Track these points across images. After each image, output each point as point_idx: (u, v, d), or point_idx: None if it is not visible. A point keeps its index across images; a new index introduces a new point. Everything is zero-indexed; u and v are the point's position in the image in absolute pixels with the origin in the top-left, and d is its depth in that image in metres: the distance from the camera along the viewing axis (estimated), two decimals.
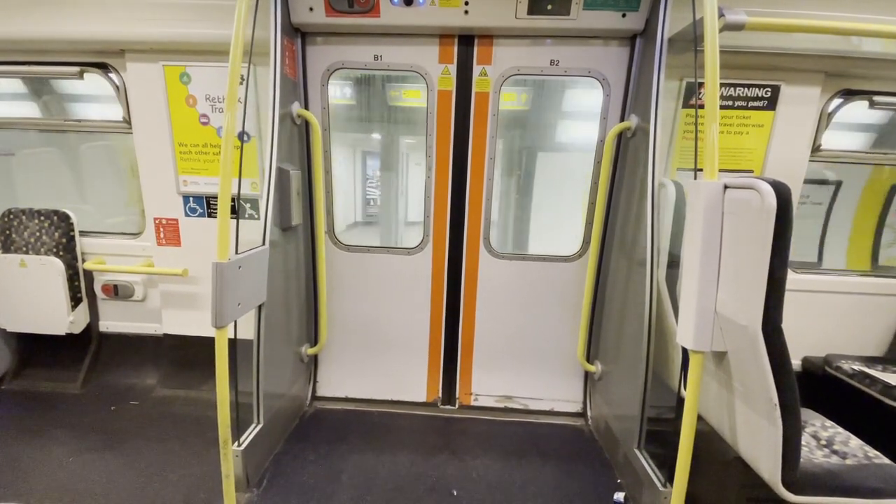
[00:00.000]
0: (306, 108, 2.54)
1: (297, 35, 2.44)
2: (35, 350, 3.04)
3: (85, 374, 2.99)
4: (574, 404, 2.88)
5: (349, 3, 2.26)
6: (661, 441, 2.06)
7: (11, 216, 2.84)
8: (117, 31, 2.45)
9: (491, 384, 2.91)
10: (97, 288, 2.98)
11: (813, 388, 2.42)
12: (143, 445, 2.41)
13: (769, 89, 2.41)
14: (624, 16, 2.22)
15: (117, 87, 2.66)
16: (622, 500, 2.13)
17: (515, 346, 2.86)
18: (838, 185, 2.83)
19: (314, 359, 2.93)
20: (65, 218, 2.82)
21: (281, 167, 2.24)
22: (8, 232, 2.85)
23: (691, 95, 2.42)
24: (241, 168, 2.58)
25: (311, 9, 2.28)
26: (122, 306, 3.04)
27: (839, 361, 2.55)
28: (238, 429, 2.09)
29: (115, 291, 2.97)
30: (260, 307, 2.10)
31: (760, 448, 1.52)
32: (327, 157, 2.63)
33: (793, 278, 2.64)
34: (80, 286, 2.89)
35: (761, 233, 1.34)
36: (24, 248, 2.84)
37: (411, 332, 2.88)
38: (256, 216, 2.75)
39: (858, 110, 2.53)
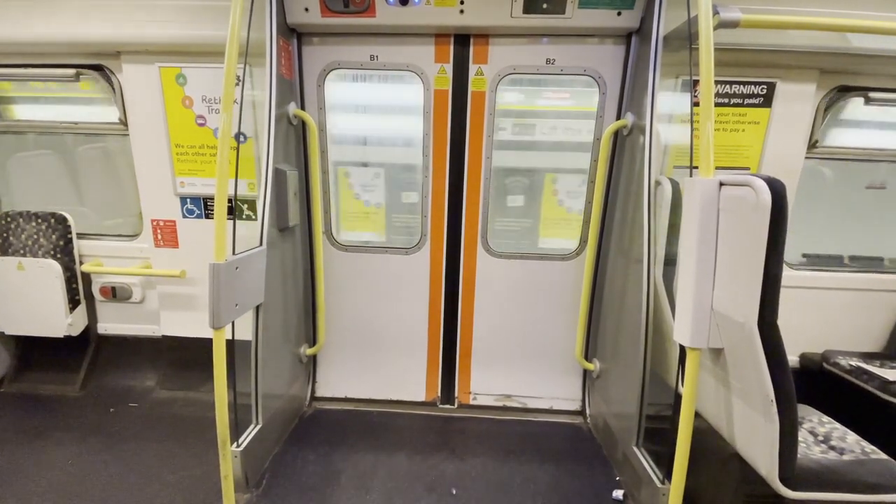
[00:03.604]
0: (303, 108, 2.54)
1: (293, 35, 2.44)
2: (34, 353, 3.04)
3: (84, 376, 2.98)
4: (573, 402, 2.88)
5: (345, 4, 2.26)
6: (659, 438, 2.06)
7: (9, 219, 2.84)
8: (113, 33, 2.45)
9: (490, 383, 2.91)
10: (95, 290, 2.98)
11: (811, 385, 2.42)
12: (142, 447, 2.41)
13: (765, 86, 2.42)
14: (619, 14, 2.22)
15: (113, 89, 2.66)
16: (621, 497, 2.14)
17: (514, 345, 2.86)
18: None
19: (313, 359, 2.93)
20: (62, 220, 2.82)
21: (278, 168, 2.24)
22: (5, 235, 2.84)
23: (687, 93, 2.42)
24: (238, 169, 2.58)
25: (306, 9, 2.28)
26: (121, 308, 3.04)
27: (837, 357, 2.56)
28: (237, 429, 2.09)
29: (113, 293, 2.97)
30: (258, 308, 2.11)
31: (757, 444, 1.53)
32: (324, 157, 2.63)
33: (790, 275, 2.65)
34: (77, 288, 2.89)
35: (756, 229, 1.34)
36: (22, 251, 2.83)
37: (410, 332, 2.88)
38: (254, 217, 2.75)
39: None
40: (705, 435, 1.82)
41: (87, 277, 2.94)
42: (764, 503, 1.67)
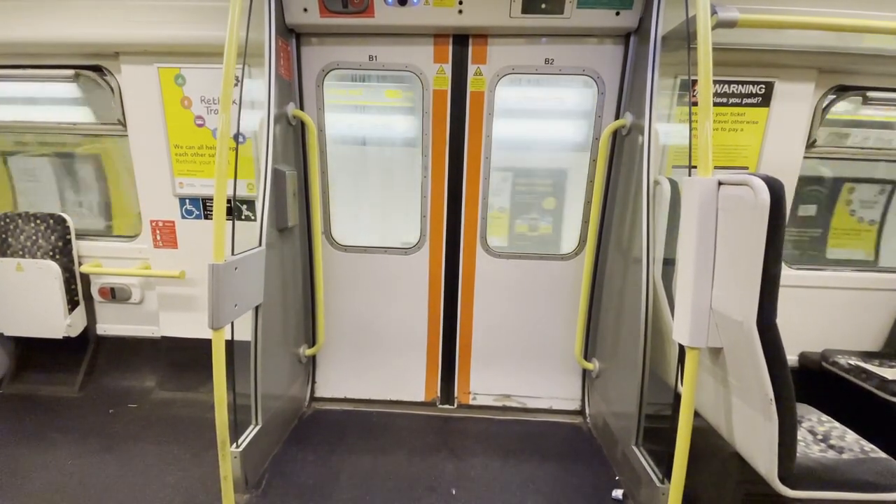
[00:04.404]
0: (301, 108, 2.54)
1: (292, 36, 2.44)
2: (32, 354, 3.04)
3: (83, 377, 2.98)
4: (572, 402, 2.88)
5: (343, 4, 2.26)
6: (658, 438, 2.06)
7: (7, 220, 2.84)
8: (111, 34, 2.45)
9: (489, 383, 2.91)
10: (94, 291, 2.98)
11: (810, 384, 2.43)
12: (142, 448, 2.41)
13: (763, 86, 2.42)
14: (618, 14, 2.23)
15: (112, 90, 2.66)
16: (620, 496, 2.14)
17: (513, 345, 2.86)
18: None
19: (312, 359, 2.93)
20: (61, 221, 2.82)
21: (276, 168, 2.24)
22: (4, 236, 2.84)
23: (685, 93, 2.42)
24: (237, 169, 2.58)
25: (305, 9, 2.28)
26: (120, 309, 3.04)
27: (836, 356, 2.56)
28: (236, 430, 2.09)
29: (112, 294, 2.96)
30: (257, 308, 2.10)
31: (757, 443, 1.53)
32: (323, 158, 2.63)
33: (790, 274, 2.65)
34: (76, 289, 2.89)
35: (755, 229, 1.34)
36: (21, 252, 2.83)
37: (409, 332, 2.88)
38: (253, 217, 2.75)
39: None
40: (705, 434, 1.82)
41: (86, 278, 2.94)
42: (763, 502, 1.68)
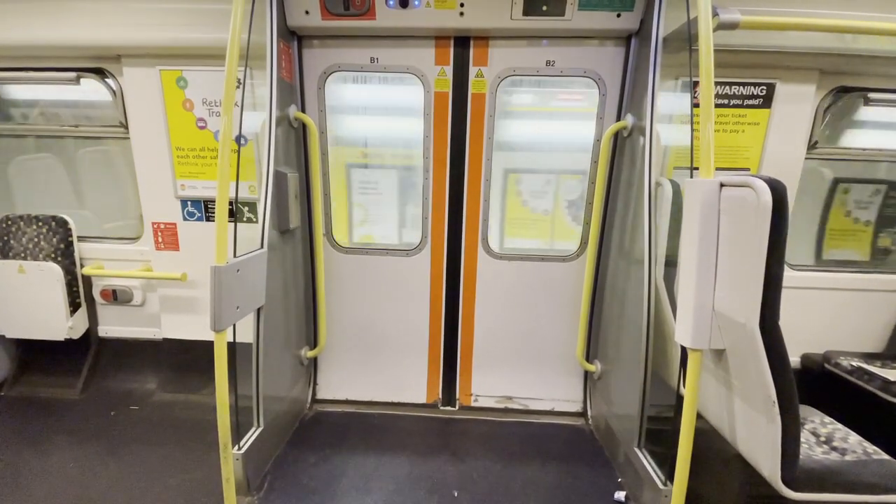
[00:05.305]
0: (303, 110, 2.54)
1: (293, 38, 2.44)
2: (34, 356, 3.04)
3: (84, 379, 2.98)
4: (574, 404, 2.88)
5: (345, 6, 2.27)
6: (661, 440, 2.06)
7: (10, 222, 2.84)
8: (113, 37, 2.45)
9: (491, 385, 2.91)
10: (96, 293, 2.98)
11: (812, 385, 2.42)
12: (144, 450, 2.41)
13: (764, 87, 2.42)
14: (619, 16, 2.23)
15: (114, 93, 2.67)
16: (623, 499, 2.13)
17: (515, 347, 2.86)
18: None
19: (314, 361, 2.93)
20: (63, 223, 2.82)
21: (278, 170, 2.25)
22: (6, 238, 2.84)
23: (687, 94, 2.42)
24: (239, 171, 2.58)
25: (306, 12, 2.29)
26: (121, 311, 3.04)
27: (838, 358, 2.55)
28: (238, 432, 2.09)
29: (114, 296, 2.97)
30: (259, 310, 2.10)
31: (759, 445, 1.52)
32: (325, 160, 2.63)
33: (791, 275, 2.65)
34: (78, 291, 2.89)
35: (757, 230, 1.34)
36: (23, 254, 2.83)
37: (411, 334, 2.88)
38: (255, 219, 2.75)
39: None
40: (707, 436, 1.82)
41: (87, 280, 2.94)
42: None
